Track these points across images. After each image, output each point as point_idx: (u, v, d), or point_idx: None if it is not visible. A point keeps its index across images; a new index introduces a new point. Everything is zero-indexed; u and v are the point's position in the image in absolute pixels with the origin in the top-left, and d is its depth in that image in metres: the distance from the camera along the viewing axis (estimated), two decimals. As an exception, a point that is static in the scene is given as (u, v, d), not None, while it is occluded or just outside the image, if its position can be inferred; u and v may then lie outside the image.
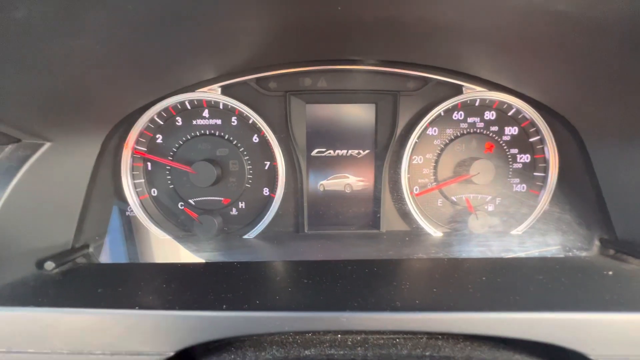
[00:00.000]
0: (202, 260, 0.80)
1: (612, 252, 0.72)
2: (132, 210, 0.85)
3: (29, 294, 0.57)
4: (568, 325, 0.49)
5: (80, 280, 0.63)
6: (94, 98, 0.65)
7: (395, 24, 0.61)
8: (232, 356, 0.52)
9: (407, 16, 0.58)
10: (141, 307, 0.51)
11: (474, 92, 0.83)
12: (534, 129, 0.86)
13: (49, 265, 0.61)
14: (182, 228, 0.89)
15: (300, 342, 0.54)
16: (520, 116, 0.86)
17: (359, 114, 0.88)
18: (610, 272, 0.62)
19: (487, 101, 0.85)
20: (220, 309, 0.51)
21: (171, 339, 0.51)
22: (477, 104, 0.86)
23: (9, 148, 0.61)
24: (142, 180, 0.86)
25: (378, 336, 0.54)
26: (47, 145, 0.63)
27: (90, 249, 0.73)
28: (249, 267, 0.66)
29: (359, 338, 0.54)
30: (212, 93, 0.82)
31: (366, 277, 0.61)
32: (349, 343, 0.53)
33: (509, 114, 0.86)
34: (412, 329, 0.50)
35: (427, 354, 0.52)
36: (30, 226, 0.63)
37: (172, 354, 0.50)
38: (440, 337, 0.54)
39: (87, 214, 0.74)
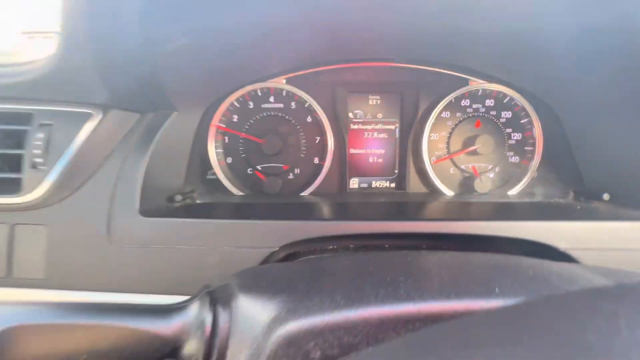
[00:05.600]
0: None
1: (582, 199, 0.97)
2: (214, 173, 1.10)
3: (172, 211, 0.81)
4: (551, 229, 0.72)
5: (202, 208, 0.87)
6: (204, 82, 0.91)
7: (423, 33, 0.88)
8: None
9: (432, 26, 0.84)
10: (255, 218, 0.76)
11: (477, 84, 1.09)
12: (524, 112, 1.11)
13: (178, 197, 0.86)
14: (250, 188, 1.13)
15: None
16: (513, 103, 1.11)
17: (388, 101, 1.14)
18: (579, 207, 0.87)
19: (487, 91, 1.11)
20: (308, 219, 0.76)
21: (275, 238, 0.74)
22: (479, 93, 1.12)
23: (151, 115, 0.85)
24: (221, 150, 1.11)
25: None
26: (175, 114, 0.88)
27: (195, 194, 0.98)
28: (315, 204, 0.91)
29: None
30: (279, 83, 1.08)
31: (399, 207, 0.86)
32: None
33: (505, 101, 1.12)
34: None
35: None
36: (161, 174, 0.88)
37: (277, 248, 0.74)
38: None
39: (189, 170, 0.99)
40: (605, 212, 0.82)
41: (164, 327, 0.40)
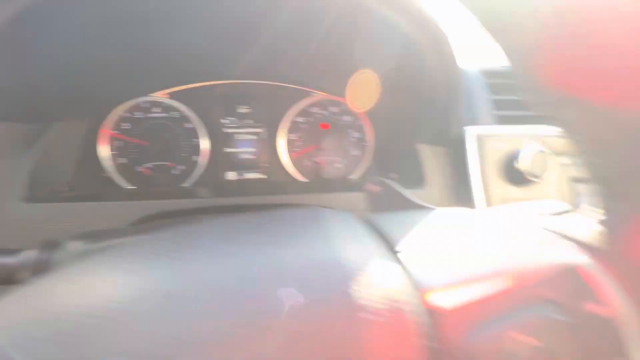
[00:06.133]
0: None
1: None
2: (108, 172, 1.33)
3: (54, 198, 1.04)
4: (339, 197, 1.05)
5: (84, 196, 1.11)
6: (89, 99, 1.15)
7: (277, 60, 1.18)
8: None
9: (282, 56, 1.14)
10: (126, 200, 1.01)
11: (320, 95, 1.41)
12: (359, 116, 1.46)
13: (64, 189, 1.09)
14: (140, 183, 1.37)
15: None
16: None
17: (255, 110, 1.44)
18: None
19: (329, 100, 1.44)
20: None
21: (140, 213, 1.00)
22: (325, 102, 1.44)
23: (37, 125, 1.08)
24: (116, 152, 1.35)
25: None
26: (60, 124, 1.11)
27: (82, 188, 1.21)
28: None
29: None
30: (163, 96, 1.34)
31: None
32: None
33: (344, 108, 1.46)
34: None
35: None
36: (49, 172, 1.10)
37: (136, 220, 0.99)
38: None
39: (80, 169, 1.22)
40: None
41: (9, 260, 0.65)
